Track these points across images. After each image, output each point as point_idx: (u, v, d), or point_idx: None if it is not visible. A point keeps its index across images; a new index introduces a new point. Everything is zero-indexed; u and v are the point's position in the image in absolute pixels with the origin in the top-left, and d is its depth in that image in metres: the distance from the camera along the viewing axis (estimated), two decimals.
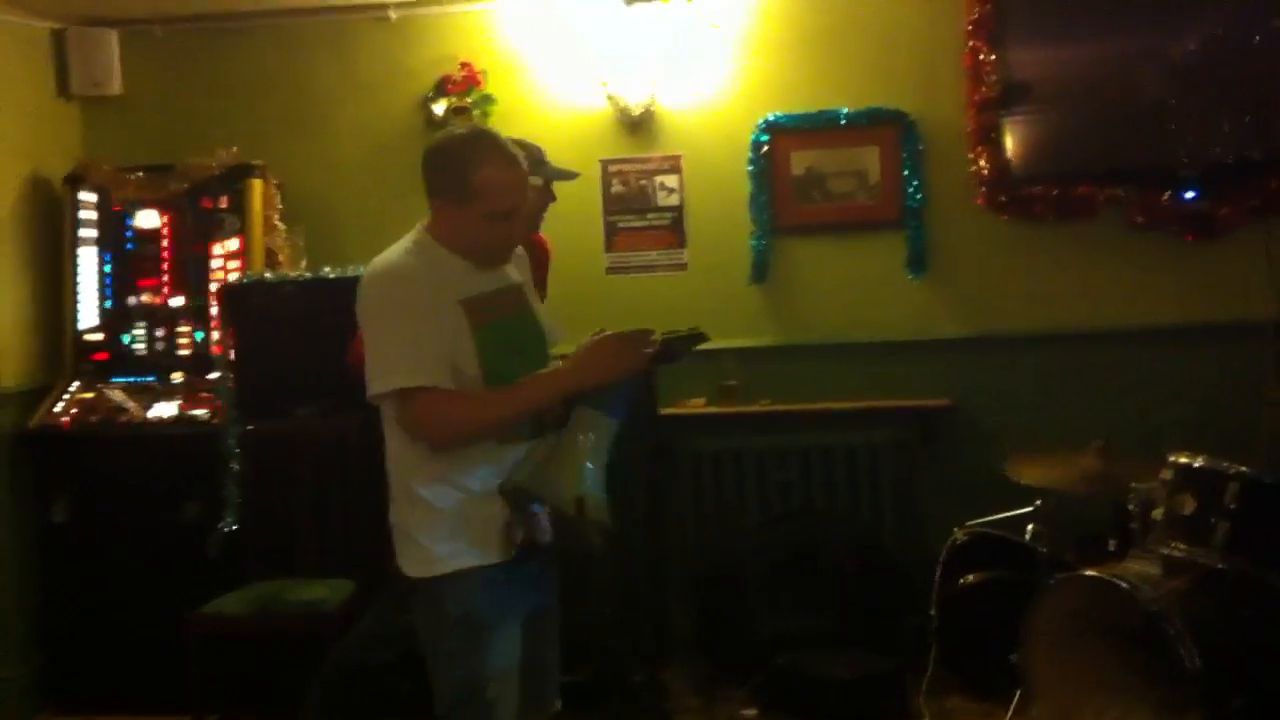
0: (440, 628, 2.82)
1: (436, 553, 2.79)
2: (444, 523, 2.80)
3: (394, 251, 2.88)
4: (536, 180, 4.07)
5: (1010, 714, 3.93)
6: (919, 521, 5.20)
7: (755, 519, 5.29)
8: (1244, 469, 3.54)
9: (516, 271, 3.03)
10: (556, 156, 5.45)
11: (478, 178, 2.79)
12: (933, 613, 4.31)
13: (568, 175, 4.27)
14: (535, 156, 4.12)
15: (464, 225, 2.83)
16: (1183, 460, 3.64)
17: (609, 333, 2.84)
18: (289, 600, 4.36)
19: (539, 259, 4.27)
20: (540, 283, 4.12)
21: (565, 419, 2.79)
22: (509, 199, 2.82)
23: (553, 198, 4.27)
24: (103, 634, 4.94)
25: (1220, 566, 3.50)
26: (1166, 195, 5.16)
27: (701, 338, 3.02)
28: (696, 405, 5.40)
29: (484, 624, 2.78)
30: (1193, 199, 5.17)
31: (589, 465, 2.77)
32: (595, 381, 2.78)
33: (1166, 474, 3.66)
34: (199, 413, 4.99)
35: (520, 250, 3.08)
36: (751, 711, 4.62)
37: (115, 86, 5.59)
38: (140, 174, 5.31)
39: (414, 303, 2.75)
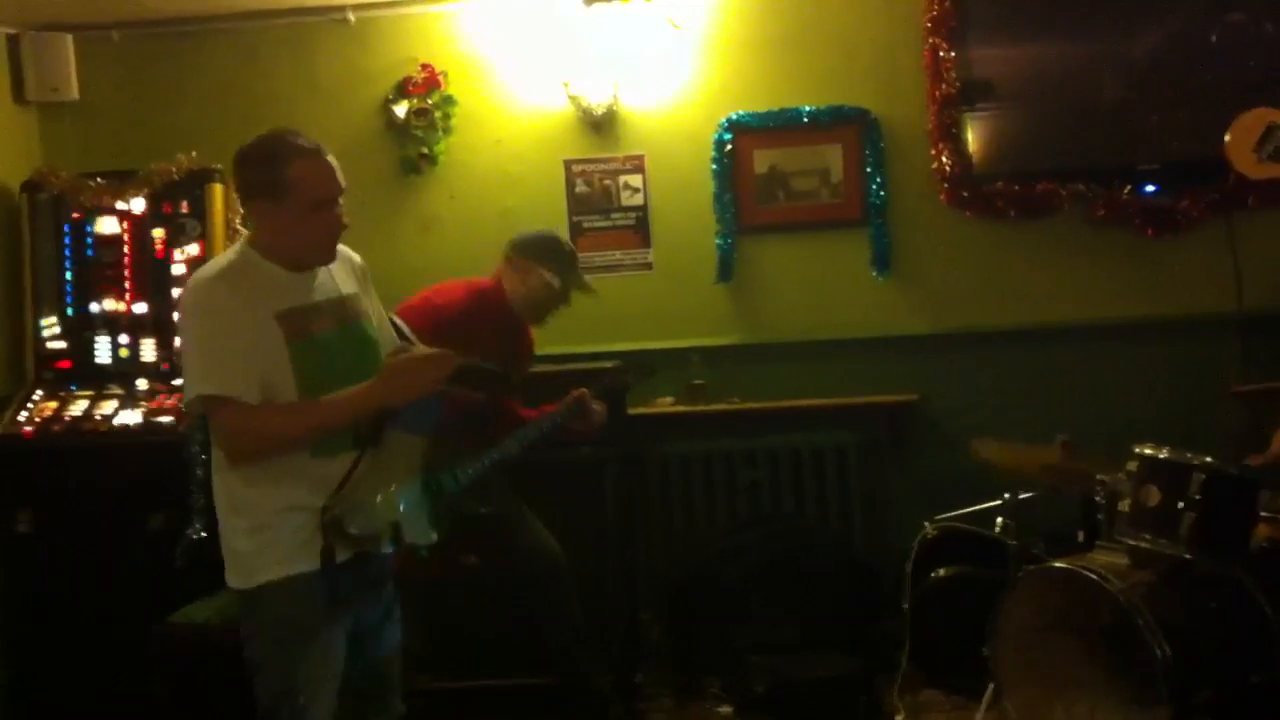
0: (257, 635, 2.86)
1: (253, 562, 2.82)
2: (260, 533, 2.82)
3: (214, 261, 2.96)
4: (554, 281, 4.15)
5: (983, 708, 3.95)
6: (888, 518, 5.22)
7: (725, 519, 5.30)
8: (1209, 460, 3.56)
9: (349, 282, 3.02)
10: (520, 157, 5.51)
11: (290, 170, 2.81)
12: (905, 607, 4.32)
13: (588, 289, 4.34)
14: (566, 261, 4.24)
15: (286, 223, 2.84)
16: (1148, 452, 3.66)
17: (408, 353, 2.89)
18: None
19: (525, 350, 4.34)
20: (522, 372, 4.24)
21: (376, 433, 2.83)
22: (325, 186, 2.85)
23: (567, 302, 4.30)
24: (70, 646, 4.88)
25: (1186, 557, 3.52)
26: (1127, 190, 5.21)
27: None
28: (665, 404, 5.40)
29: (297, 633, 2.81)
30: (1153, 194, 5.22)
31: (400, 488, 2.86)
32: (394, 400, 2.81)
33: (1132, 466, 3.67)
34: (164, 420, 4.93)
35: (358, 260, 3.09)
36: (727, 709, 4.62)
37: (72, 92, 5.53)
38: (100, 180, 5.24)
39: (223, 314, 2.78)
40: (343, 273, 3.01)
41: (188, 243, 5.15)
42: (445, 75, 5.49)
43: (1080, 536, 3.95)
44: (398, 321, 3.81)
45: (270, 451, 2.80)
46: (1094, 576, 3.52)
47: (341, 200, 2.91)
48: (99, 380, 5.13)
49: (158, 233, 5.18)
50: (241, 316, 2.78)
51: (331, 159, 2.88)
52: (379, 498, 2.82)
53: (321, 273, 2.94)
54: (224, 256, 2.93)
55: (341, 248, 3.03)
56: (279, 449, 2.79)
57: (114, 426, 4.95)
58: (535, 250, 4.26)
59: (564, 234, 4.37)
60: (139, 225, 5.21)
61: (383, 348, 3.00)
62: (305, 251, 2.88)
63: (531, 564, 4.25)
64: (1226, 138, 4.00)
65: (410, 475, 2.92)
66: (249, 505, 2.83)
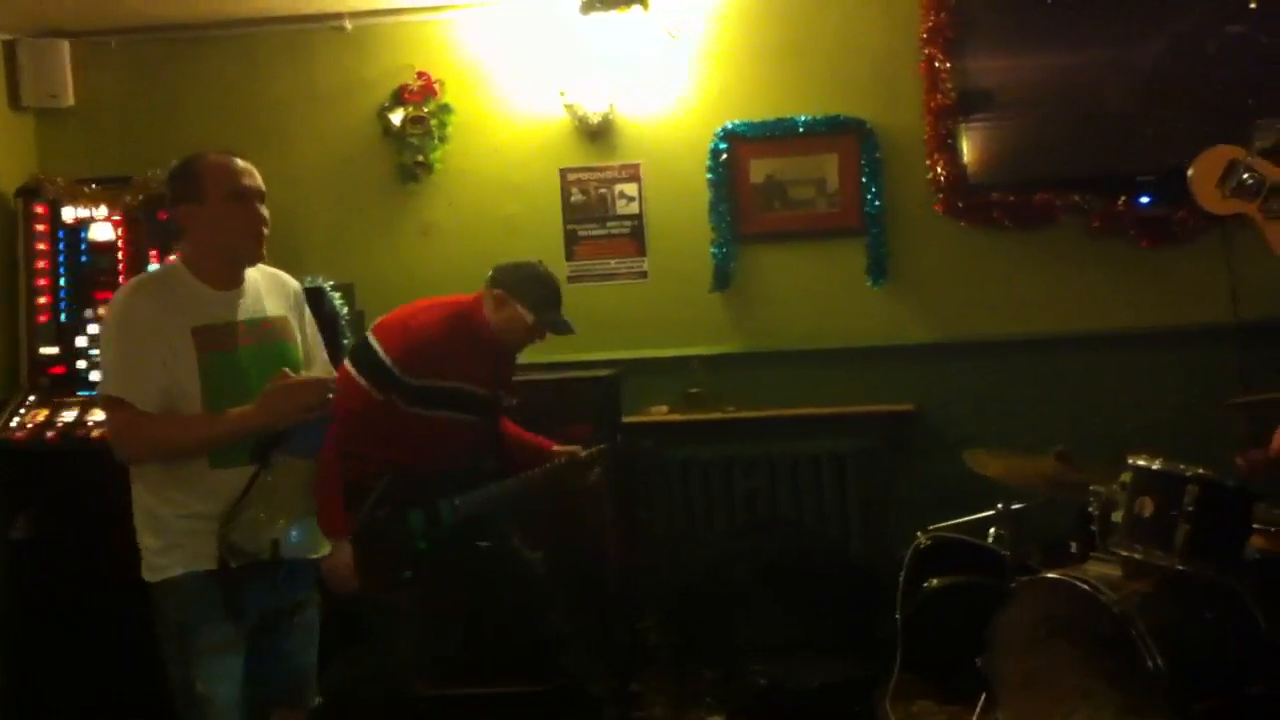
0: (161, 631, 3.04)
1: (156, 561, 3.03)
2: (161, 533, 3.02)
3: (144, 273, 3.20)
4: (529, 318, 4.03)
5: (975, 717, 3.94)
6: (885, 526, 5.22)
7: (723, 526, 5.30)
8: (1202, 471, 3.55)
9: (277, 305, 3.21)
10: (515, 165, 5.52)
11: (202, 167, 3.04)
12: (898, 616, 4.31)
13: (566, 330, 4.15)
14: (544, 301, 4.06)
15: (207, 221, 3.03)
16: (1141, 463, 3.66)
17: (289, 379, 2.97)
18: None
19: (508, 373, 4.26)
20: (510, 393, 4.23)
21: (267, 451, 2.98)
22: (236, 179, 3.04)
23: (542, 337, 4.17)
24: (70, 651, 4.86)
25: (1181, 569, 3.52)
26: (1123, 201, 5.21)
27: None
28: (661, 413, 5.40)
29: (193, 628, 2.99)
30: (1149, 204, 5.22)
31: (284, 508, 3.03)
32: (274, 421, 2.94)
33: (1126, 477, 3.67)
34: None
35: (295, 286, 3.29)
36: (719, 717, 4.61)
37: (68, 98, 5.55)
38: (95, 186, 5.25)
39: (138, 324, 2.98)
40: (273, 296, 3.21)
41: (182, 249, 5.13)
42: (442, 84, 5.50)
43: (1074, 547, 3.94)
44: (370, 340, 3.85)
45: (153, 457, 3.00)
46: (1088, 587, 3.51)
47: (262, 206, 3.08)
48: (93, 386, 5.12)
49: (152, 239, 5.18)
50: (156, 327, 2.97)
51: (243, 162, 3.07)
52: (263, 516, 2.99)
53: (249, 294, 3.13)
54: (154, 270, 3.11)
55: (278, 273, 3.28)
56: (163, 456, 3.00)
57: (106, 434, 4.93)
58: (513, 285, 4.05)
59: (548, 269, 4.15)
60: (134, 231, 5.21)
61: (304, 370, 3.18)
62: (231, 247, 3.07)
63: (509, 572, 4.23)
64: (1190, 173, 4.04)
65: (297, 495, 3.08)
66: (153, 509, 3.03)
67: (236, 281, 3.11)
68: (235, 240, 3.05)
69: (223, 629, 3.02)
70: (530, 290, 4.05)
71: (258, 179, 3.09)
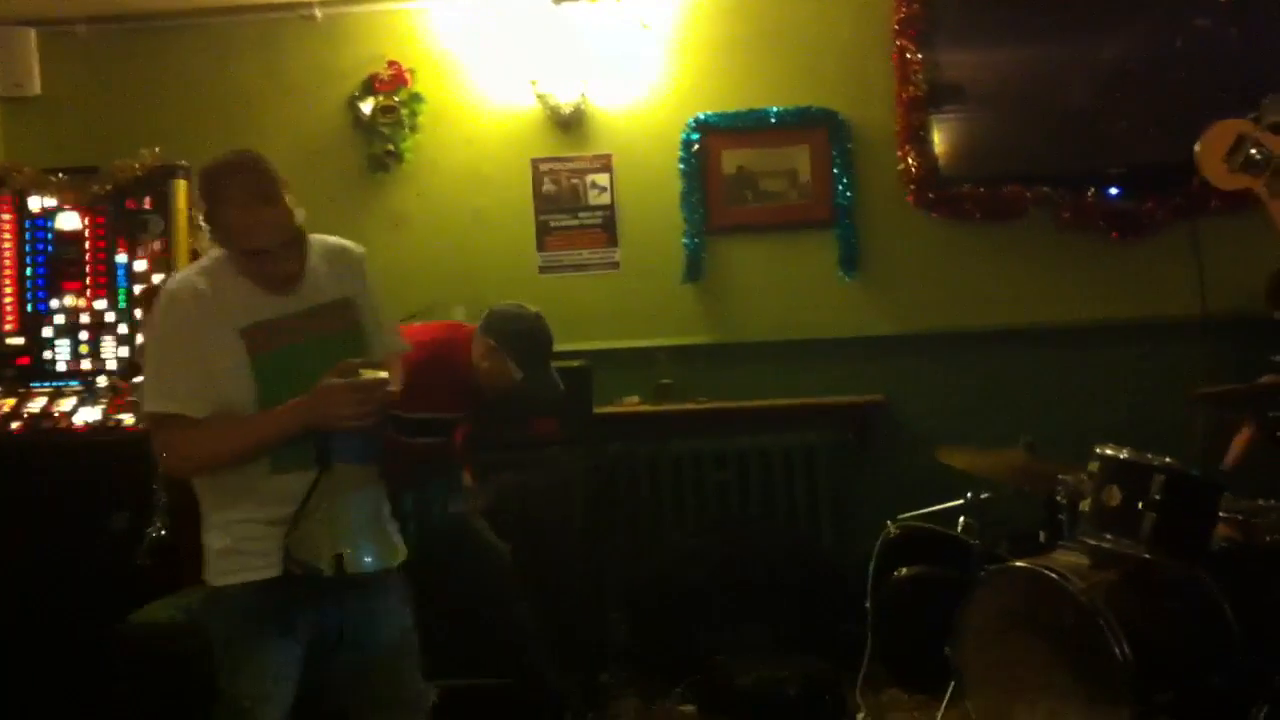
0: (211, 633, 2.91)
1: (215, 564, 2.87)
2: (221, 536, 2.86)
3: (187, 270, 2.94)
4: (517, 375, 3.87)
5: (943, 707, 3.96)
6: (855, 517, 5.23)
7: (692, 519, 5.30)
8: (1169, 461, 3.58)
9: (335, 286, 2.95)
10: (487, 155, 5.50)
11: (224, 218, 2.77)
12: (867, 606, 4.32)
13: (554, 390, 3.96)
14: (534, 358, 3.89)
15: (235, 258, 2.81)
16: (1109, 452, 3.68)
17: (337, 380, 2.77)
18: None
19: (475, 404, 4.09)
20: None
21: (326, 455, 2.82)
22: (248, 239, 2.78)
23: (525, 391, 3.97)
24: (30, 645, 4.82)
25: (1147, 557, 3.54)
26: (1092, 194, 5.24)
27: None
28: (631, 404, 5.39)
29: (246, 636, 2.84)
30: (1118, 197, 5.25)
31: (345, 518, 2.87)
32: (315, 423, 2.76)
33: (1093, 466, 3.69)
34: (125, 418, 4.89)
35: (355, 253, 3.02)
36: (689, 708, 4.62)
37: (34, 87, 5.51)
38: (62, 176, 5.19)
39: (179, 330, 2.80)
40: (334, 277, 2.95)
41: (150, 239, 5.10)
42: (413, 73, 5.48)
43: (1042, 537, 3.96)
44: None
45: (199, 469, 2.87)
46: (1055, 576, 3.53)
47: (282, 249, 2.80)
48: (59, 377, 5.09)
49: (119, 229, 5.14)
50: (199, 332, 2.78)
51: (257, 215, 2.75)
52: (324, 526, 2.83)
53: (304, 282, 2.88)
54: (197, 264, 2.92)
55: (339, 247, 3.01)
56: (207, 466, 2.85)
57: (73, 424, 4.90)
58: (507, 338, 3.89)
59: (544, 322, 3.94)
60: (101, 221, 5.17)
61: (372, 352, 2.93)
62: (244, 244, 2.79)
63: (478, 562, 4.22)
64: (1196, 148, 4.03)
65: (362, 503, 2.92)
66: (213, 512, 2.88)
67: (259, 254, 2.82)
68: (260, 281, 2.83)
69: (275, 644, 2.84)
70: (523, 347, 3.90)
71: (280, 223, 2.77)
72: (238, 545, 2.84)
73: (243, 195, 2.76)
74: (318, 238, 2.97)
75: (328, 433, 2.78)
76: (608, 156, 5.49)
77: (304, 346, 2.86)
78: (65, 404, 4.97)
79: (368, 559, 2.90)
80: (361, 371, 2.77)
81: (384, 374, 2.79)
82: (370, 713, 3.01)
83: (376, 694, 3.00)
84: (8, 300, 5.17)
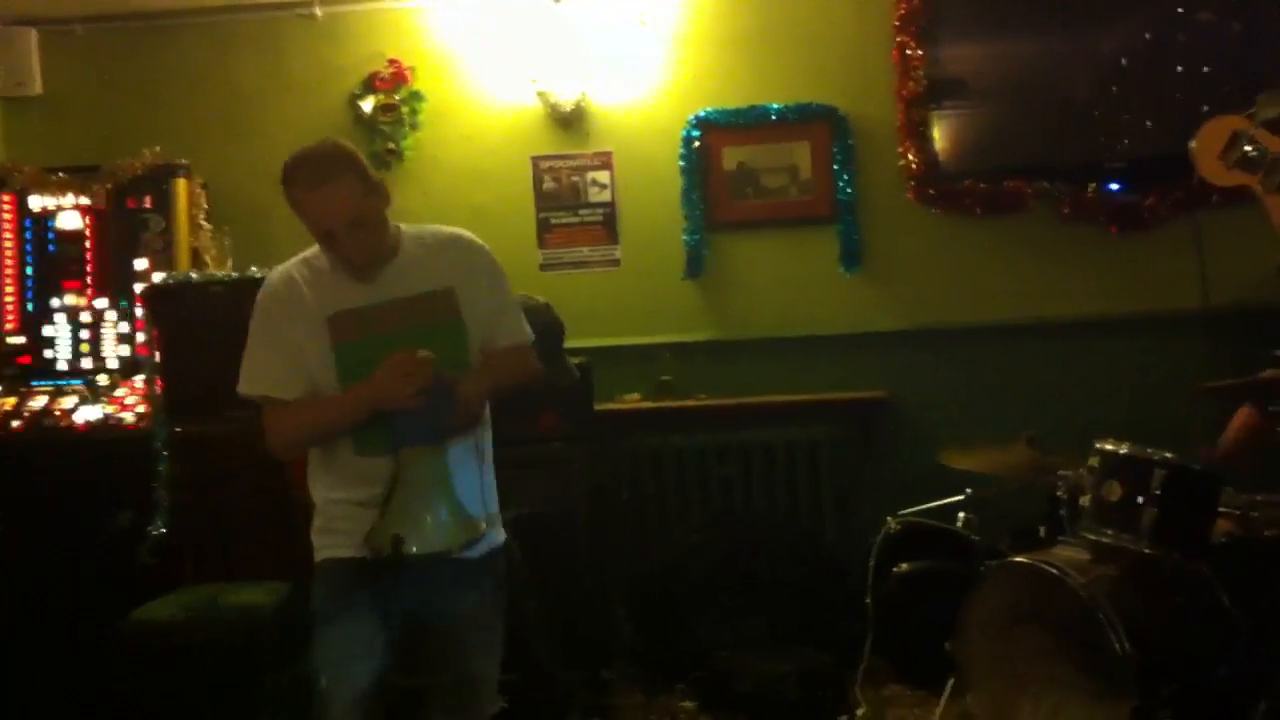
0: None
1: (314, 540, 3.01)
2: (319, 516, 3.00)
3: (288, 261, 3.01)
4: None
5: (944, 701, 3.95)
6: (858, 513, 5.22)
7: (696, 515, 5.30)
8: (1169, 455, 3.57)
9: (430, 278, 2.92)
10: (487, 153, 5.50)
11: (296, 198, 2.86)
12: (868, 601, 4.32)
13: (569, 377, 3.99)
14: (551, 347, 3.82)
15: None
16: (1109, 447, 3.67)
17: (400, 357, 2.78)
18: (222, 604, 4.26)
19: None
20: None
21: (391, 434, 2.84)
22: (319, 223, 2.85)
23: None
24: (33, 643, 4.83)
25: (1147, 552, 3.53)
26: (1093, 188, 5.23)
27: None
28: (632, 401, 5.39)
29: (325, 618, 2.92)
30: (1119, 192, 5.24)
31: (408, 500, 2.87)
32: (375, 404, 2.80)
33: (1094, 461, 3.69)
34: (126, 416, 4.90)
35: (463, 246, 2.99)
36: (690, 704, 4.62)
37: (36, 86, 5.51)
38: (63, 175, 5.21)
39: (270, 315, 2.93)
40: (431, 269, 2.93)
41: (151, 238, 5.12)
42: (413, 71, 5.48)
43: (1043, 531, 3.96)
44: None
45: (289, 448, 3.00)
46: (1055, 571, 3.53)
47: (358, 229, 2.81)
48: (60, 375, 5.10)
49: (120, 228, 5.16)
50: (286, 318, 2.90)
51: (326, 192, 2.80)
52: (391, 509, 2.85)
53: (395, 271, 2.90)
54: (302, 254, 2.99)
55: (451, 238, 3.00)
56: (297, 446, 2.99)
57: (75, 422, 4.91)
58: None
59: (556, 314, 3.93)
60: (102, 220, 5.18)
61: (471, 342, 2.94)
62: (310, 226, 2.86)
63: None
64: (1192, 144, 4.03)
65: (422, 487, 2.87)
66: (316, 492, 3.01)
67: (373, 272, 2.89)
68: (338, 264, 2.88)
69: (349, 620, 2.87)
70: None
71: (340, 201, 2.80)
72: (329, 524, 2.96)
73: (307, 178, 2.84)
74: (426, 228, 3.03)
75: (393, 416, 2.82)
76: (608, 153, 5.48)
77: (390, 337, 2.86)
78: (66, 402, 4.99)
79: (424, 541, 2.86)
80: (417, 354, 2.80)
81: (428, 353, 2.78)
82: (431, 696, 2.99)
83: (433, 676, 2.99)
84: (9, 299, 5.19)
